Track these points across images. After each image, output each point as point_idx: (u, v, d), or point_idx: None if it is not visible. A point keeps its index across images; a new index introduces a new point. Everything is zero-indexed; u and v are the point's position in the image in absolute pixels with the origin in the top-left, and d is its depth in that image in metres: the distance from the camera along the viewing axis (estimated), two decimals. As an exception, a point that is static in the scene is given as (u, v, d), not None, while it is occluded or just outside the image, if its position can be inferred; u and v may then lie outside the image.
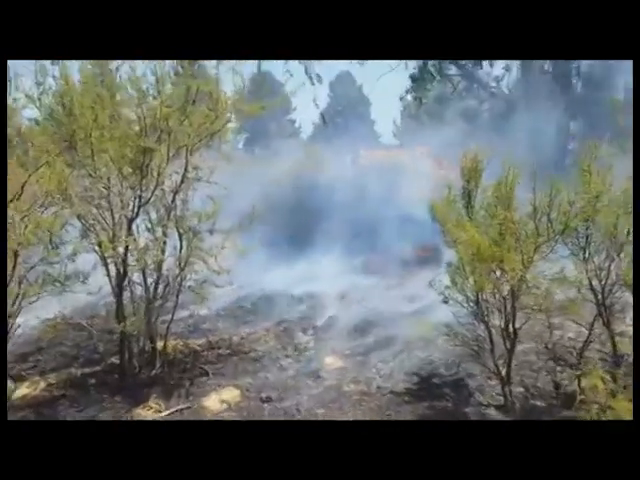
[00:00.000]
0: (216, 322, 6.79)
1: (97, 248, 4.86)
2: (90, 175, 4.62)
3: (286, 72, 13.87)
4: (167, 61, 4.63)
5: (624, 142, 4.15)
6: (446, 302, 4.35)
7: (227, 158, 5.41)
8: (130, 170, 4.75)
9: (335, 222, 10.68)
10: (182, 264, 5.00)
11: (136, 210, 4.74)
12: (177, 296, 5.20)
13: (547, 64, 12.22)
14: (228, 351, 5.69)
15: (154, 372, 5.07)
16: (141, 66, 4.34)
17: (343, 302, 7.52)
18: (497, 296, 3.60)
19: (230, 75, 4.44)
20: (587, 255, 3.49)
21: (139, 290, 5.16)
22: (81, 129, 4.34)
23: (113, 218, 4.76)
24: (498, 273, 3.53)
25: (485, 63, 13.95)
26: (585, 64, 11.91)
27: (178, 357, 5.50)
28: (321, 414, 4.28)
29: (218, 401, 4.52)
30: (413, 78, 16.95)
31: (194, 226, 4.92)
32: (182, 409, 4.43)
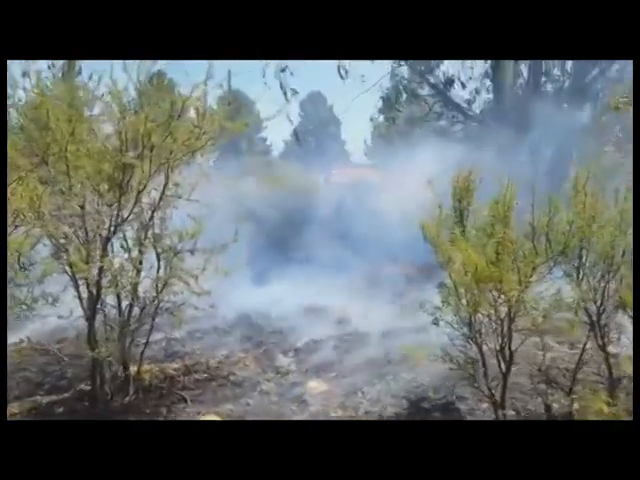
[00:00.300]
0: (191, 344, 6.51)
1: (68, 269, 4.61)
2: (63, 192, 4.38)
3: (264, 84, 13.71)
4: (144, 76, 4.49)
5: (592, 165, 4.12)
6: (436, 324, 4.26)
7: (207, 176, 5.24)
8: (107, 187, 4.53)
9: (314, 240, 10.59)
10: (160, 285, 4.77)
11: (113, 229, 4.50)
12: (153, 319, 4.96)
13: (517, 86, 12.50)
14: (205, 375, 5.44)
15: (127, 399, 4.79)
16: (122, 79, 4.16)
17: (324, 322, 7.35)
18: (493, 317, 3.52)
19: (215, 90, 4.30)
20: (581, 276, 3.45)
21: (112, 313, 4.90)
22: (56, 143, 4.11)
23: (87, 237, 4.51)
24: (495, 294, 3.45)
25: (457, 84, 14.20)
26: (553, 87, 12.23)
27: (153, 383, 5.21)
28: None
29: (199, 430, 4.27)
30: (384, 99, 17.11)
31: (174, 245, 4.71)
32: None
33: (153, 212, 4.79)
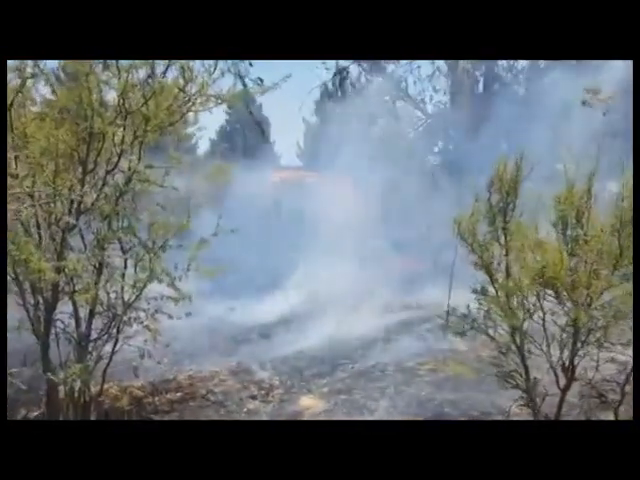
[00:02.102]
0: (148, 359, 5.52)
1: (10, 270, 3.65)
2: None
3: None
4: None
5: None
6: (461, 333, 3.78)
7: (177, 159, 4.41)
8: (63, 165, 3.61)
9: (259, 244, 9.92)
10: (131, 290, 3.90)
11: (74, 218, 3.58)
12: (118, 331, 4.05)
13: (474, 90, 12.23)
14: (179, 395, 4.60)
15: (88, 430, 3.88)
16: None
17: (294, 327, 6.68)
18: (553, 326, 3.07)
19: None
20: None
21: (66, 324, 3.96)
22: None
23: (39, 229, 3.58)
24: (552, 299, 3.01)
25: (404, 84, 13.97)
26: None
27: (116, 406, 4.32)
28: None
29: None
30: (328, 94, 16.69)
31: (152, 240, 3.86)
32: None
33: (117, 199, 3.91)
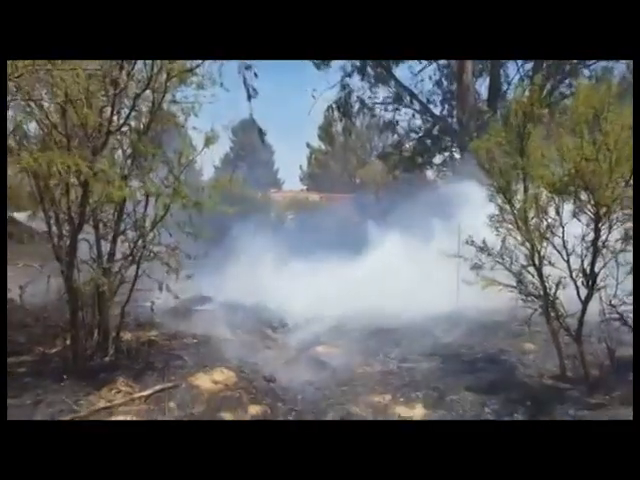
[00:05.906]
0: (154, 318, 5.29)
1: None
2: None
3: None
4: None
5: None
6: (479, 267, 3.83)
7: (199, 103, 4.45)
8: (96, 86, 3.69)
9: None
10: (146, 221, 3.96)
11: (103, 138, 3.66)
12: (138, 266, 4.05)
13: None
14: (195, 340, 4.58)
15: (108, 359, 3.88)
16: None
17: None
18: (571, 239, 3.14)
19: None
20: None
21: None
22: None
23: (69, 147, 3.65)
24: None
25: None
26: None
27: (133, 346, 4.28)
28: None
29: (210, 381, 3.49)
30: (339, 107, 16.90)
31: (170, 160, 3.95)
32: (167, 388, 3.36)
33: (148, 126, 3.96)
